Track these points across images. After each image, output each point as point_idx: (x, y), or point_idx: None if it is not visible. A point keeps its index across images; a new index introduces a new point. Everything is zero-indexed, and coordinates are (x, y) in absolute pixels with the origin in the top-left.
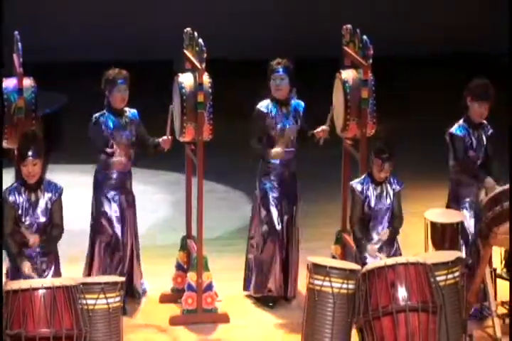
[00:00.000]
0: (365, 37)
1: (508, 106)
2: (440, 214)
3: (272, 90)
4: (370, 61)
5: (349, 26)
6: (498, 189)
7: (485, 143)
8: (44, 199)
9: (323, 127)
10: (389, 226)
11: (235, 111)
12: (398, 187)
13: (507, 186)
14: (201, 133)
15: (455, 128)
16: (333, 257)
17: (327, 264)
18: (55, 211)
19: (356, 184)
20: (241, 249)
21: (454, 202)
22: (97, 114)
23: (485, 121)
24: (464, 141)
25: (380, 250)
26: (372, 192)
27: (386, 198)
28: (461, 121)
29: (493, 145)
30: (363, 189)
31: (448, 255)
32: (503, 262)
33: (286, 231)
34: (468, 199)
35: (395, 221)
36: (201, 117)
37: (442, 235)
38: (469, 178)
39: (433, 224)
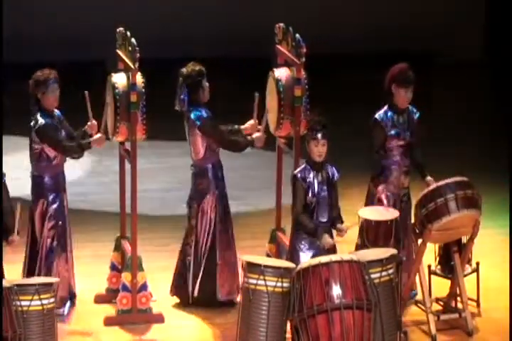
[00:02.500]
0: (297, 35)
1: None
2: (374, 211)
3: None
4: (303, 59)
5: (282, 24)
6: (432, 186)
7: (411, 128)
8: None
9: (258, 134)
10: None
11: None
12: (337, 175)
13: (440, 183)
14: (134, 133)
15: (379, 114)
16: (268, 256)
17: (261, 263)
18: None
19: (298, 173)
20: (175, 249)
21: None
22: (40, 119)
23: (410, 106)
24: (384, 128)
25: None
26: (313, 179)
27: (327, 185)
28: (384, 108)
29: (420, 130)
30: (305, 176)
31: (382, 252)
32: (437, 258)
33: (223, 233)
34: (389, 187)
35: (334, 211)
36: (134, 117)
37: (376, 232)
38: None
39: (367, 222)
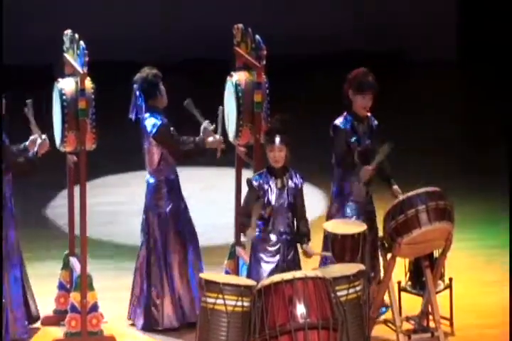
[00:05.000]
0: (257, 36)
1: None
2: (340, 224)
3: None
4: (264, 62)
5: (240, 25)
6: (401, 196)
7: (372, 135)
8: None
9: (216, 137)
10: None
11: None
12: (300, 181)
13: (411, 193)
14: (84, 143)
15: (339, 121)
16: (227, 273)
17: (220, 281)
18: None
19: (254, 178)
20: (127, 267)
21: (338, 199)
22: None
23: (369, 114)
24: (346, 134)
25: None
26: (271, 186)
27: (287, 193)
28: (344, 115)
29: (377, 139)
30: (259, 183)
31: (349, 268)
32: (408, 274)
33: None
34: (352, 198)
35: (301, 223)
36: (84, 125)
37: (343, 247)
38: (347, 172)
39: (333, 236)
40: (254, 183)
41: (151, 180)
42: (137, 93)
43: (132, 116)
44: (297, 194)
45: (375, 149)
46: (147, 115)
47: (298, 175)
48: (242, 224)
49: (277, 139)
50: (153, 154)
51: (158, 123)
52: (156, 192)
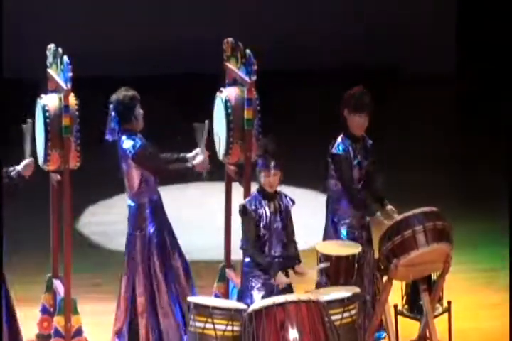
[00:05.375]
0: (248, 51)
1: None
2: (334, 245)
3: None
4: (255, 77)
5: (230, 39)
6: (398, 216)
7: (367, 157)
8: None
9: (200, 158)
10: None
11: None
12: (291, 204)
13: (408, 213)
14: (68, 161)
15: (336, 148)
16: (217, 296)
17: (209, 304)
18: None
19: (248, 203)
20: (113, 290)
21: (332, 223)
22: None
23: (364, 134)
24: (349, 160)
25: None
26: (265, 210)
27: (280, 216)
28: (340, 139)
29: (374, 159)
30: (255, 207)
31: (344, 291)
32: (405, 297)
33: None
34: (347, 221)
35: (290, 246)
36: (68, 143)
37: (337, 269)
38: (353, 208)
39: (326, 257)
40: (249, 209)
41: (133, 204)
42: (112, 114)
43: (108, 137)
44: (288, 216)
45: (370, 170)
46: (124, 138)
47: (287, 197)
48: (258, 263)
49: (273, 164)
50: (132, 177)
51: (137, 144)
52: (138, 214)
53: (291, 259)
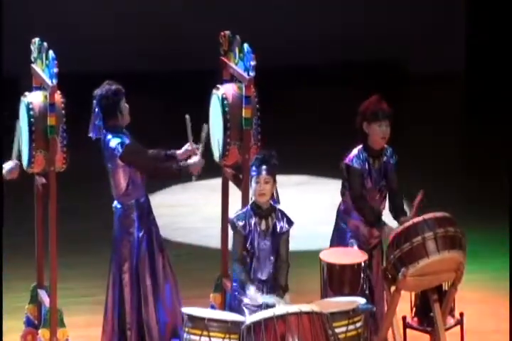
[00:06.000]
0: (246, 45)
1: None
2: (338, 254)
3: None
4: (253, 74)
5: (227, 32)
6: (408, 222)
7: (388, 173)
8: None
9: (195, 158)
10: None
11: None
12: (287, 227)
13: (417, 219)
14: (53, 163)
15: (351, 159)
16: (213, 307)
17: (205, 316)
18: None
19: (237, 218)
20: (102, 301)
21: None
22: None
23: (386, 145)
24: (362, 175)
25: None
26: (256, 227)
27: (273, 236)
28: (356, 150)
29: (397, 175)
30: (245, 223)
31: (348, 302)
32: (414, 309)
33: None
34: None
35: (279, 273)
36: (53, 144)
37: (341, 279)
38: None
39: (330, 266)
40: (239, 224)
41: (119, 206)
42: (96, 110)
43: (92, 135)
44: (282, 239)
45: (392, 189)
46: (109, 136)
47: (286, 218)
48: (242, 281)
49: (264, 168)
50: (119, 177)
51: (125, 142)
52: (125, 217)
53: (277, 289)
